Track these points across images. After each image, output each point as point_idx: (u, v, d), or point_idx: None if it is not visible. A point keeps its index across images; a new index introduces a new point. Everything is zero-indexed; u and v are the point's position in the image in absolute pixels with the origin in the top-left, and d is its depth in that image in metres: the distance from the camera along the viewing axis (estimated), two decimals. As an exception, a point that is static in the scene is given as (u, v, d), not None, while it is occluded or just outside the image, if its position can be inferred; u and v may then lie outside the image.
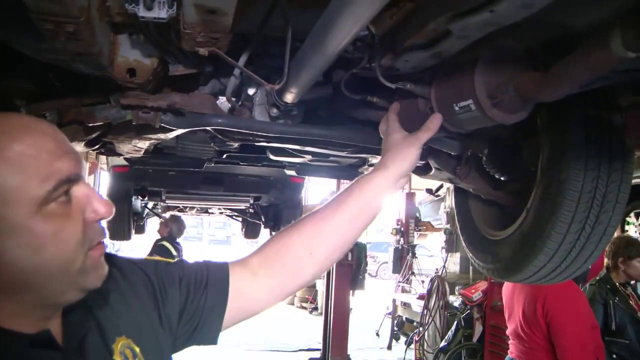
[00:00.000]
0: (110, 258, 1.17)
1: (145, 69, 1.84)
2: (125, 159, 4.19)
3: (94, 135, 2.34)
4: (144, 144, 2.56)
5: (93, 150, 2.90)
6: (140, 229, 8.87)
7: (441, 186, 9.56)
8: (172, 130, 2.13)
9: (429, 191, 10.30)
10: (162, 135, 2.30)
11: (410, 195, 11.49)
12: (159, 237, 7.56)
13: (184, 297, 1.29)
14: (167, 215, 8.85)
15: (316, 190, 12.49)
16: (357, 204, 1.41)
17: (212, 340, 1.34)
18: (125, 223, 7.04)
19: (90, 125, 2.08)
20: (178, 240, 7.56)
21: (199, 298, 1.30)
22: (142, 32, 1.67)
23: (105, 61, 1.75)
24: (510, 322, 4.11)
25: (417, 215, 11.70)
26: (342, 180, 8.66)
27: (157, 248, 7.14)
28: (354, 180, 1.47)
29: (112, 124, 2.11)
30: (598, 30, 1.14)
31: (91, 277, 1.04)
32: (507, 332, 4.17)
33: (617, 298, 4.48)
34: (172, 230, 7.41)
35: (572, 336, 3.65)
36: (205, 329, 1.31)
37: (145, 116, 1.97)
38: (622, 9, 1.06)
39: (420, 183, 9.56)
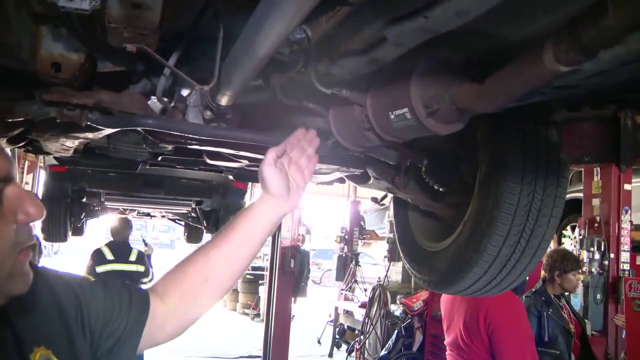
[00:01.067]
0: (36, 269, 1.13)
1: (71, 64, 1.74)
2: (56, 158, 4.05)
3: (15, 132, 2.22)
4: (72, 143, 2.44)
5: (18, 147, 2.77)
6: (78, 231, 8.59)
7: (386, 195, 9.59)
8: (101, 129, 2.04)
9: (374, 200, 10.36)
10: (90, 135, 2.20)
11: (355, 204, 11.53)
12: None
13: (108, 312, 1.27)
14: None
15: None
16: (242, 230, 1.43)
17: (129, 356, 1.31)
18: (62, 224, 6.81)
19: (10, 121, 1.97)
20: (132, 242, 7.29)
21: (123, 316, 1.29)
22: (65, 25, 1.58)
23: (26, 54, 1.65)
24: (449, 332, 4.12)
25: (362, 223, 11.75)
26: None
27: (93, 252, 6.92)
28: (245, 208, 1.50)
29: (33, 120, 2.00)
30: (532, 44, 1.12)
31: (18, 282, 1.00)
32: (446, 342, 4.19)
33: (550, 310, 4.58)
34: (113, 232, 7.16)
35: (513, 347, 3.69)
36: (125, 346, 1.29)
37: (70, 114, 1.87)
38: (555, 23, 1.04)
39: (366, 192, 9.59)
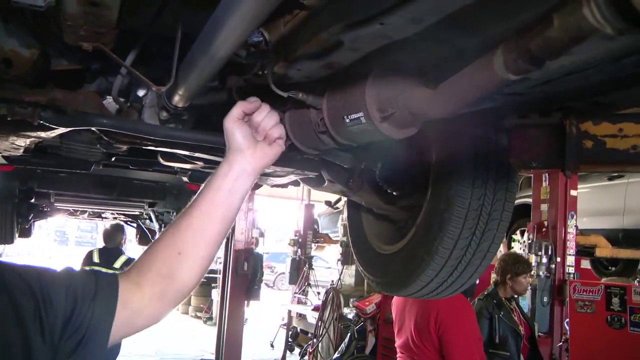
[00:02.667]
0: None
1: (23, 60, 1.71)
2: (4, 157, 3.94)
3: (-40, 130, 2.16)
4: (23, 142, 2.39)
5: (-37, 146, 2.69)
6: (25, 232, 8.39)
7: (340, 199, 9.64)
8: (54, 128, 2.00)
9: (328, 203, 10.38)
10: (42, 134, 2.15)
11: (309, 207, 11.55)
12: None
13: (70, 307, 1.20)
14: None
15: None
16: (208, 194, 1.37)
17: (98, 350, 1.25)
18: (8, 226, 6.61)
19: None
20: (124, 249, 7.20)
21: (87, 310, 1.22)
22: (18, 20, 1.55)
23: (-28, 47, 1.62)
24: (400, 335, 4.17)
25: (316, 227, 11.77)
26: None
27: (86, 253, 6.89)
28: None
29: (-20, 118, 1.95)
30: (484, 51, 1.15)
31: None
32: (396, 344, 4.23)
33: (502, 312, 4.69)
34: (104, 238, 7.15)
35: (462, 348, 3.77)
36: (91, 344, 1.23)
37: (22, 112, 1.83)
38: (506, 32, 1.08)
39: (320, 195, 9.61)
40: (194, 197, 1.39)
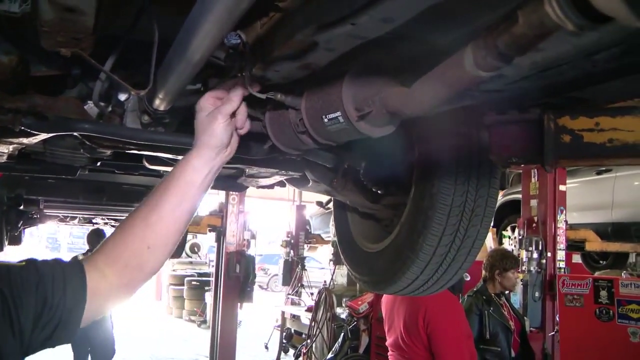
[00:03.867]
0: None
1: (2, 66, 1.71)
2: (-12, 164, 3.93)
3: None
4: (5, 148, 2.38)
5: (-55, 153, 2.68)
6: (15, 240, 8.34)
7: (331, 199, 9.66)
8: (35, 134, 2.00)
9: (320, 204, 10.41)
10: (24, 140, 2.15)
11: (301, 208, 11.56)
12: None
13: (40, 304, 1.22)
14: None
15: (205, 200, 12.27)
16: (179, 188, 1.39)
17: (68, 340, 1.29)
18: (-3, 233, 6.61)
19: None
20: None
21: (57, 303, 1.24)
22: (-6, 26, 1.56)
23: (-52, 55, 1.62)
24: (390, 333, 4.19)
25: (308, 227, 11.79)
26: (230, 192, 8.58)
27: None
28: (176, 164, 1.46)
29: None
30: (458, 48, 1.16)
31: None
32: (387, 343, 4.26)
33: (491, 308, 4.73)
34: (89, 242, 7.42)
35: (450, 346, 3.80)
36: (64, 331, 1.26)
37: (2, 118, 1.84)
38: (475, 30, 1.09)
39: (312, 195, 9.63)
40: (163, 187, 1.40)
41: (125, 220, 1.40)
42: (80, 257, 1.38)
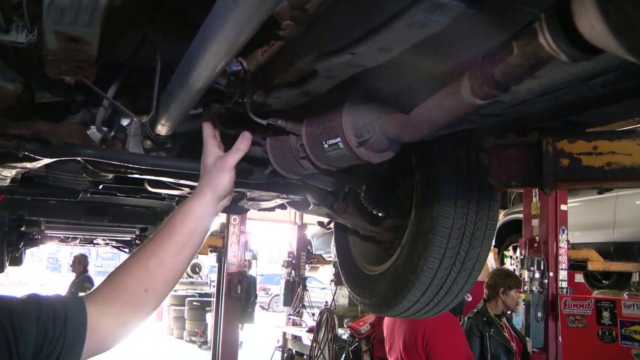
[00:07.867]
0: None
1: (7, 94, 1.73)
2: (-9, 187, 3.95)
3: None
4: (9, 173, 2.41)
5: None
6: (16, 261, 8.35)
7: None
8: (39, 159, 2.03)
9: (321, 224, 10.40)
10: (28, 164, 2.18)
11: (302, 228, 11.55)
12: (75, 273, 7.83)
13: (41, 336, 1.21)
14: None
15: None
16: (182, 236, 1.41)
17: None
18: (-2, 254, 6.63)
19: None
20: None
21: (58, 337, 1.23)
22: (1, 56, 1.58)
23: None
24: (391, 353, 4.19)
25: (309, 248, 11.77)
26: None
27: (84, 279, 7.22)
28: (175, 209, 1.48)
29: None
30: (456, 75, 1.18)
31: None
32: (389, 363, 4.25)
33: (492, 330, 4.71)
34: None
35: (449, 365, 3.79)
36: None
37: (7, 144, 1.86)
38: (472, 59, 1.11)
39: (313, 216, 9.64)
40: (165, 233, 1.41)
41: (126, 262, 1.42)
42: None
